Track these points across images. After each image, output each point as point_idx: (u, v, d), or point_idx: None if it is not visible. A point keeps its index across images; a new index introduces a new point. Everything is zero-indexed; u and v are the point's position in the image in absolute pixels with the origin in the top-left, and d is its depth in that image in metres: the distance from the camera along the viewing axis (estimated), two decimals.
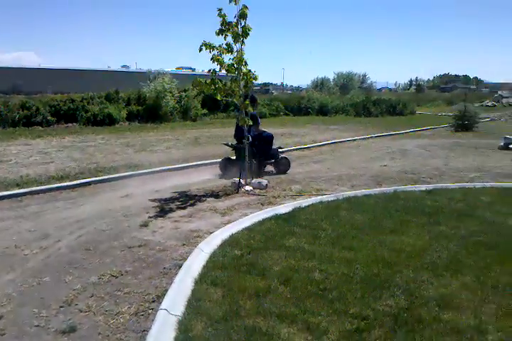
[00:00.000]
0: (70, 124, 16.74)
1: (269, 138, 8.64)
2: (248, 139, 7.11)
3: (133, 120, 18.22)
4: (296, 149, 11.63)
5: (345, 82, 52.89)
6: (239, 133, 7.77)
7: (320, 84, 53.78)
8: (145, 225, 5.11)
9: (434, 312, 3.00)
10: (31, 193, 6.59)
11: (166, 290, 3.39)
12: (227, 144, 8.34)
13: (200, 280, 3.51)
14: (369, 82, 59.84)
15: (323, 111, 25.73)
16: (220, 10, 6.43)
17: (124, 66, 65.46)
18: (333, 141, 13.30)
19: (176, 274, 3.67)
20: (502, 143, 12.19)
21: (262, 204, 6.08)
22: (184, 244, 4.51)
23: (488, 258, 3.95)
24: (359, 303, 3.12)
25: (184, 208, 5.86)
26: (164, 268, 3.96)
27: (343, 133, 15.75)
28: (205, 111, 20.62)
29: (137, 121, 18.23)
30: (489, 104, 39.41)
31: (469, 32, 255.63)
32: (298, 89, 75.77)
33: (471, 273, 3.64)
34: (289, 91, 60.69)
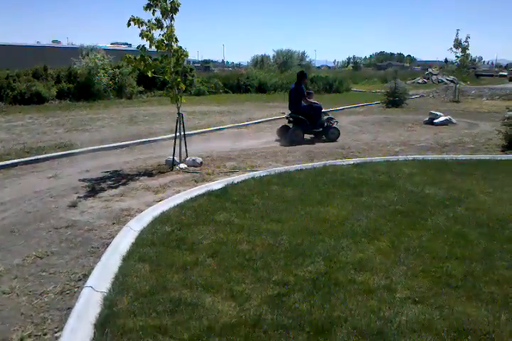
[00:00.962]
0: None
1: (318, 109, 9.94)
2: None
3: (64, 98, 17.38)
4: (233, 127, 11.64)
5: (285, 60, 53.13)
6: (292, 105, 9.78)
7: (260, 62, 53.67)
8: (73, 205, 5.01)
9: (349, 275, 3.23)
10: None
11: (93, 269, 3.38)
12: (284, 113, 10.49)
13: (128, 257, 3.53)
14: (308, 59, 60.29)
15: (262, 88, 25.78)
16: None
17: (54, 41, 61.68)
18: (270, 118, 13.44)
19: (104, 252, 3.67)
20: (427, 119, 12.89)
21: (196, 181, 6.12)
22: (114, 223, 4.49)
23: (403, 224, 4.26)
24: (282, 271, 3.29)
25: (116, 187, 5.78)
26: (92, 247, 3.93)
27: (281, 110, 15.92)
28: (141, 88, 20.03)
29: (68, 100, 17.40)
30: (420, 81, 41.21)
31: (405, 13, 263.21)
32: (239, 66, 75.18)
33: (387, 238, 3.92)
34: (230, 69, 60.10)
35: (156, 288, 3.02)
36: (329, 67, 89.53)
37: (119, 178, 6.24)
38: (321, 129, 9.84)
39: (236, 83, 25.28)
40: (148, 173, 6.53)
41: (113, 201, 5.22)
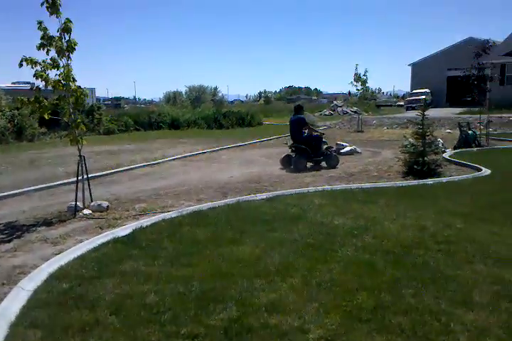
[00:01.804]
0: None
1: (319, 139, 10.84)
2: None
3: None
4: (144, 166, 11.29)
5: (198, 95, 53.89)
6: (294, 135, 10.76)
7: (173, 98, 53.88)
8: None
9: (262, 319, 3.11)
10: None
11: None
12: (286, 143, 11.24)
13: (17, 323, 3.13)
14: (220, 94, 61.70)
15: (175, 124, 25.66)
16: (40, 23, 5.99)
17: None
18: (184, 155, 13.29)
19: None
20: (334, 149, 13.49)
21: (101, 228, 5.73)
22: (4, 284, 3.99)
23: (314, 258, 4.26)
24: (192, 322, 3.09)
25: (9, 241, 5.23)
26: None
27: (195, 147, 15.86)
28: (43, 129, 18.94)
29: None
30: (327, 113, 43.63)
31: (310, 48, 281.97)
32: (151, 102, 74.79)
33: (299, 275, 3.88)
34: (143, 105, 59.52)
35: None
36: (242, 102, 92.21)
37: (13, 231, 5.66)
38: (321, 158, 10.77)
39: (147, 120, 24.92)
40: (48, 222, 6.02)
41: (5, 258, 4.69)
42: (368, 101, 26.55)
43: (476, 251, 4.39)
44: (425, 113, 9.17)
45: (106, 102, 64.75)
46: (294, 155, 10.66)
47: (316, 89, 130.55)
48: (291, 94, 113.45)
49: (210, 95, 57.10)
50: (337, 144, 13.58)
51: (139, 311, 3.26)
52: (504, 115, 22.22)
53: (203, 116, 27.64)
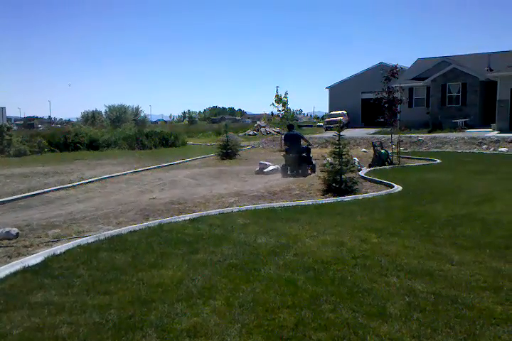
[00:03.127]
0: None
1: (310, 149, 13.47)
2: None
3: None
4: (59, 189, 10.68)
5: (118, 115, 52.40)
6: (293, 147, 12.97)
7: (91, 118, 51.96)
8: None
9: None
10: None
11: None
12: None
13: None
14: (143, 114, 60.46)
15: (93, 145, 24.70)
16: None
17: None
18: (102, 177, 12.77)
19: None
20: (258, 168, 13.74)
21: (9, 257, 5.29)
22: None
23: (237, 278, 4.25)
24: None
25: None
26: None
27: (115, 168, 15.36)
28: None
29: None
30: (251, 133, 44.37)
31: (234, 70, 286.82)
32: (69, 122, 71.53)
33: (222, 296, 3.84)
34: (59, 125, 56.66)
35: None
36: (166, 122, 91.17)
37: None
38: (311, 165, 13.10)
39: (63, 141, 23.76)
40: None
41: None
42: (289, 121, 27.43)
43: (389, 264, 4.63)
44: (341, 133, 9.65)
45: (18, 122, 60.94)
46: (292, 164, 12.81)
47: (240, 109, 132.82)
48: (215, 114, 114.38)
49: (132, 115, 55.67)
50: (260, 164, 13.83)
51: None
52: (413, 135, 24.00)
53: (124, 136, 26.90)
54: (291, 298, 3.75)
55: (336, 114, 38.28)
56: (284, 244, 5.37)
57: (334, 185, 9.32)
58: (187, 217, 7.09)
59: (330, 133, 25.02)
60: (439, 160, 15.43)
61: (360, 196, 8.79)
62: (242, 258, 4.88)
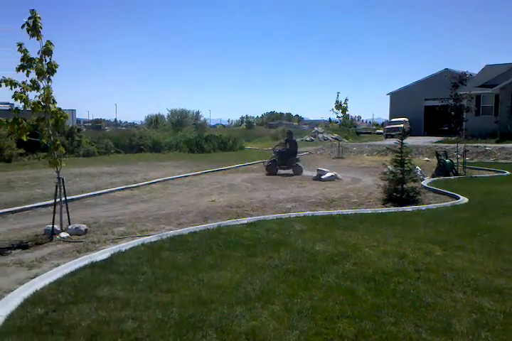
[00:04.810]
0: None
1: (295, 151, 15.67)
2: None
3: None
4: (124, 189, 11.16)
5: (180, 119, 53.97)
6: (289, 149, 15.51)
7: (154, 121, 53.86)
8: None
9: None
10: None
11: None
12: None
13: None
14: (202, 119, 61.96)
15: (156, 148, 25.61)
16: (20, 45, 6.00)
17: None
18: (164, 179, 13.21)
19: None
20: (315, 175, 13.64)
21: (78, 252, 5.61)
22: None
23: (295, 285, 4.24)
24: None
25: None
26: None
27: (176, 170, 15.83)
28: (21, 150, 18.67)
29: None
30: (308, 139, 44.16)
31: (292, 75, 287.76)
32: (133, 125, 74.63)
33: (280, 301, 3.85)
34: (124, 128, 59.30)
35: None
36: (224, 126, 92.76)
37: None
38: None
39: (128, 143, 24.84)
40: (23, 246, 5.86)
41: None
42: (347, 128, 27.04)
43: (455, 279, 4.43)
44: (404, 141, 9.38)
45: (86, 124, 64.42)
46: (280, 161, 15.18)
47: (297, 115, 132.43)
48: (273, 119, 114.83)
49: (192, 119, 57.20)
50: (318, 170, 13.71)
51: (115, 338, 3.17)
52: (480, 144, 22.88)
53: (185, 139, 27.70)
54: (350, 308, 3.68)
55: (397, 121, 37.23)
56: (342, 253, 5.29)
57: (395, 194, 9.07)
58: (245, 220, 7.17)
59: (390, 141, 24.38)
60: (508, 172, 14.59)
61: (422, 207, 8.48)
62: (300, 264, 4.86)
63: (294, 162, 15.15)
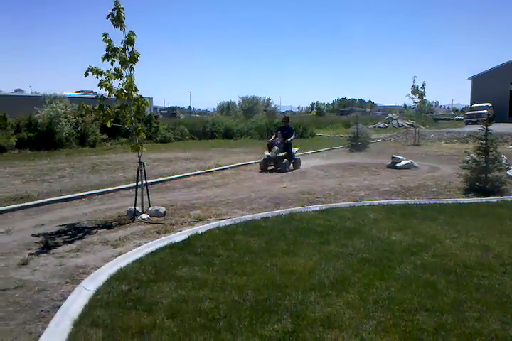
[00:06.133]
0: None
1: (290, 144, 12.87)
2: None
3: (24, 148, 16.98)
4: (198, 174, 11.52)
5: (251, 106, 54.35)
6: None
7: (226, 108, 54.71)
8: (25, 263, 4.67)
9: (318, 333, 3.05)
10: None
11: (40, 336, 3.08)
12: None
13: (80, 321, 3.25)
14: (273, 105, 61.92)
15: (228, 134, 26.07)
16: (105, 35, 6.30)
17: (17, 90, 61.34)
18: (236, 164, 13.43)
19: (53, 317, 3.37)
20: (390, 163, 13.18)
21: (158, 232, 5.89)
22: (67, 282, 4.19)
23: (371, 274, 4.15)
24: (247, 331, 3.08)
25: (71, 242, 5.48)
26: (42, 310, 3.62)
27: (247, 156, 16.00)
28: (104, 136, 19.85)
29: (29, 149, 17.00)
30: (381, 125, 42.79)
31: (364, 59, 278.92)
32: (205, 112, 76.44)
33: (355, 290, 3.79)
34: (197, 115, 60.91)
35: None
36: (294, 113, 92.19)
37: (75, 232, 5.93)
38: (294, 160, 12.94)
39: (202, 129, 25.50)
40: (108, 225, 6.26)
41: (68, 257, 4.91)
42: (424, 114, 25.76)
43: None
44: (488, 127, 8.76)
45: (162, 111, 66.95)
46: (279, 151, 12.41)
47: (369, 101, 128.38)
48: (344, 106, 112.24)
49: (263, 106, 57.36)
50: (393, 158, 13.23)
51: (194, 317, 3.30)
52: None
53: (256, 126, 27.90)
54: (430, 301, 3.54)
55: (479, 106, 34.90)
56: (421, 244, 5.09)
57: (478, 184, 8.54)
58: (317, 207, 7.12)
59: (472, 128, 22.98)
60: None
61: (508, 197, 7.91)
62: (376, 253, 4.75)
63: (288, 157, 12.59)
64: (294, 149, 13.11)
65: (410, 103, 24.31)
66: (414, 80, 22.75)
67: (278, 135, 12.79)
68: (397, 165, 12.80)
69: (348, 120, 41.97)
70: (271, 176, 11.45)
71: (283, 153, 12.36)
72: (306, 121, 35.47)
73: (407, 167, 12.71)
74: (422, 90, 22.95)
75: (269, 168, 12.50)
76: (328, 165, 13.71)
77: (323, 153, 18.14)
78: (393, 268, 4.29)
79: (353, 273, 4.18)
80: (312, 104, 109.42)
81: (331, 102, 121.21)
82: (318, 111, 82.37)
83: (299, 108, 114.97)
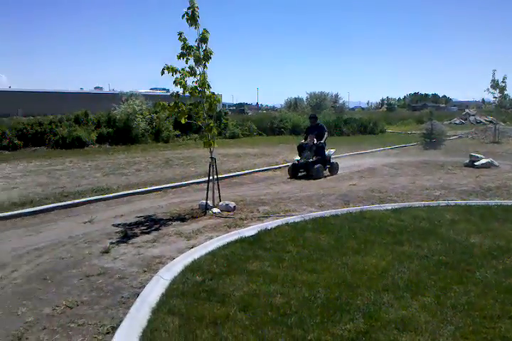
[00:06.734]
0: (37, 148, 16.46)
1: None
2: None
3: (103, 142, 18.06)
4: (267, 170, 11.61)
5: (318, 102, 53.76)
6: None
7: (293, 104, 54.55)
8: (106, 252, 4.98)
9: (392, 336, 2.98)
10: None
11: (122, 321, 3.28)
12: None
13: (158, 309, 3.42)
14: (341, 101, 60.76)
15: (296, 130, 25.97)
16: (180, 34, 6.50)
17: (97, 87, 65.24)
18: None
19: (133, 303, 3.57)
20: (468, 161, 12.48)
21: (228, 226, 6.02)
22: (145, 271, 4.41)
23: (448, 278, 3.97)
24: (318, 328, 3.08)
25: (149, 233, 5.75)
26: (122, 297, 3.84)
27: None
28: (177, 132, 20.58)
29: (108, 144, 18.05)
30: (457, 121, 40.57)
31: (439, 53, 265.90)
32: (273, 109, 76.70)
33: (431, 293, 3.65)
34: (265, 111, 61.28)
35: None
36: (363, 109, 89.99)
37: (152, 223, 6.23)
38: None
39: (269, 126, 25.64)
40: (181, 218, 6.50)
41: (145, 247, 5.17)
42: (505, 110, 24.10)
43: None
44: None
45: (230, 108, 68.18)
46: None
47: (444, 96, 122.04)
48: (416, 101, 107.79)
49: (331, 102, 56.48)
50: (471, 156, 12.52)
51: (266, 311, 3.35)
52: None
53: (324, 122, 27.47)
54: None
55: None
56: (503, 247, 4.79)
57: None
58: (388, 206, 6.92)
59: None
60: None
61: None
62: (453, 256, 4.53)
63: (322, 161, 10.80)
64: (331, 151, 11.40)
65: (489, 98, 22.86)
66: (493, 74, 21.38)
67: (309, 136, 10.97)
68: (476, 163, 12.11)
69: (421, 116, 40.22)
70: (341, 173, 11.26)
71: (315, 158, 10.67)
72: (376, 117, 34.50)
73: (486, 166, 11.98)
74: (503, 84, 21.50)
75: (300, 174, 10.73)
76: (400, 163, 13.26)
77: (394, 150, 17.58)
78: (472, 272, 4.07)
79: (428, 276, 4.03)
80: (382, 100, 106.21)
81: (402, 97, 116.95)
82: (388, 106, 79.81)
83: (368, 103, 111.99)
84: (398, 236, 5.26)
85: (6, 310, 3.64)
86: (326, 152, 11.08)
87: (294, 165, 10.70)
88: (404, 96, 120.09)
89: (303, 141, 11.16)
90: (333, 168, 11.20)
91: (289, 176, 10.58)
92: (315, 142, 10.78)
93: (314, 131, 11.11)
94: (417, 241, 5.04)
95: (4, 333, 3.25)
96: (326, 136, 11.04)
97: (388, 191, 8.59)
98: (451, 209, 6.61)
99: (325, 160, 10.94)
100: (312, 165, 10.49)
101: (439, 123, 23.08)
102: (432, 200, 7.54)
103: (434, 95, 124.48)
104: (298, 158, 10.84)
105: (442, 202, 7.17)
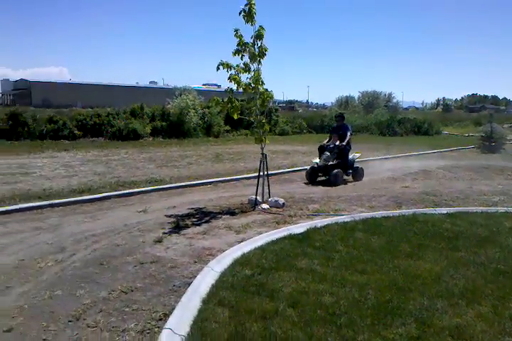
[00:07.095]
0: (95, 138, 17.19)
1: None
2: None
3: (157, 135, 18.58)
4: None
5: (371, 101, 52.65)
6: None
7: (344, 103, 53.78)
8: (159, 241, 5.14)
9: None
10: (52, 206, 6.73)
11: (173, 309, 3.37)
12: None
13: (208, 299, 3.48)
14: (395, 101, 59.22)
15: None
16: (236, 31, 6.55)
17: (152, 82, 67.18)
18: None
19: (185, 292, 3.66)
20: None
21: (277, 223, 6.04)
22: (196, 262, 4.51)
23: (507, 287, 3.80)
24: (368, 330, 3.03)
25: (199, 225, 5.87)
26: (174, 285, 3.95)
27: (366, 153, 15.57)
28: (227, 127, 20.86)
29: (161, 137, 18.57)
30: None
31: (501, 52, 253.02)
32: (323, 106, 76.00)
33: (489, 303, 3.50)
34: (315, 109, 60.84)
35: (234, 336, 2.91)
36: (417, 109, 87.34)
37: (202, 216, 6.35)
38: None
39: (320, 123, 25.44)
40: (231, 212, 6.58)
41: (196, 239, 5.28)
42: None
43: None
44: None
45: (281, 105, 68.18)
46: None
47: (504, 98, 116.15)
48: (474, 102, 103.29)
49: (384, 101, 55.18)
50: None
51: (315, 309, 3.33)
52: None
53: (376, 122, 27.03)
54: None
55: None
56: None
57: None
58: (443, 210, 6.69)
59: None
60: None
61: None
62: None
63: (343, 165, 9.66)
64: (355, 155, 10.32)
65: None
66: None
67: (333, 137, 10.00)
68: None
69: (479, 118, 38.53)
70: (394, 175, 10.99)
71: (335, 161, 9.56)
72: (431, 118, 33.40)
73: None
74: None
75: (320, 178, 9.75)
76: (456, 166, 12.76)
77: (450, 153, 16.95)
78: None
79: (485, 284, 3.86)
80: (438, 100, 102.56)
81: (459, 98, 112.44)
82: (444, 107, 76.95)
83: (422, 104, 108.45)
84: (453, 241, 5.08)
85: (66, 291, 3.84)
86: (350, 156, 10.00)
87: (312, 168, 9.66)
88: (462, 97, 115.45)
89: (325, 141, 10.19)
90: (358, 174, 10.09)
91: (306, 181, 9.58)
92: (337, 144, 9.76)
93: (339, 131, 10.06)
94: (473, 248, 4.84)
95: (64, 313, 3.43)
96: (348, 137, 9.82)
97: (443, 195, 8.30)
98: (510, 217, 6.30)
99: (346, 165, 9.77)
100: (331, 169, 9.36)
101: (499, 126, 22.02)
102: (490, 206, 7.22)
103: (494, 97, 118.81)
104: (317, 160, 9.77)
105: (501, 209, 6.84)
